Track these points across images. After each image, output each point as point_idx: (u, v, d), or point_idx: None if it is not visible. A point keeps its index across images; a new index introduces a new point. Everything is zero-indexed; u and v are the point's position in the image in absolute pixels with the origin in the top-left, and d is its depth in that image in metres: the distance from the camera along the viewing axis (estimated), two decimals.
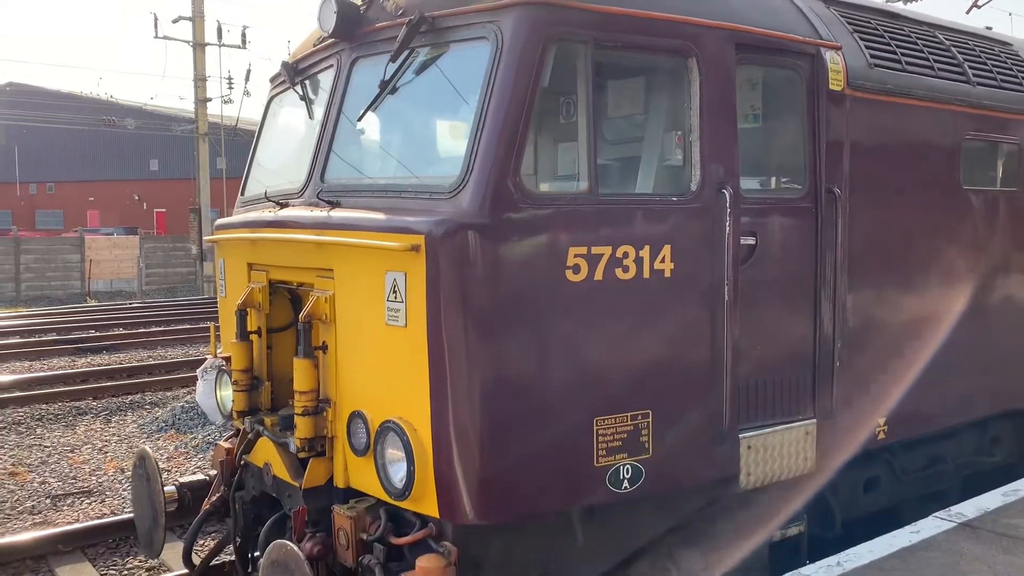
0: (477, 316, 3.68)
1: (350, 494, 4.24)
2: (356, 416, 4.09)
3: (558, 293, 3.83)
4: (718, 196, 4.23)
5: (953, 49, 5.87)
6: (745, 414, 4.46)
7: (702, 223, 4.21)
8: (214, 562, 5.64)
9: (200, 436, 12.31)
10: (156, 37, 30.40)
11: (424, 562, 3.71)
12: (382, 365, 3.94)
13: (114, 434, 12.95)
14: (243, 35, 31.91)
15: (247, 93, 32.45)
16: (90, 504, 9.88)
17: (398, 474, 3.87)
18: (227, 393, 5.36)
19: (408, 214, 3.84)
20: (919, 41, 5.64)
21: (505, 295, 3.72)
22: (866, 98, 4.94)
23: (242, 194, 5.74)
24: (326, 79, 4.90)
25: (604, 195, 3.98)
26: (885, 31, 5.39)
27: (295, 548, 3.78)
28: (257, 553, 5.09)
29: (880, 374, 5.17)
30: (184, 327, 23.42)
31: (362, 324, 4.04)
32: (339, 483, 4.28)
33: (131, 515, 8.72)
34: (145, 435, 12.74)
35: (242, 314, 4.82)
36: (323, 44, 4.89)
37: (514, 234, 3.72)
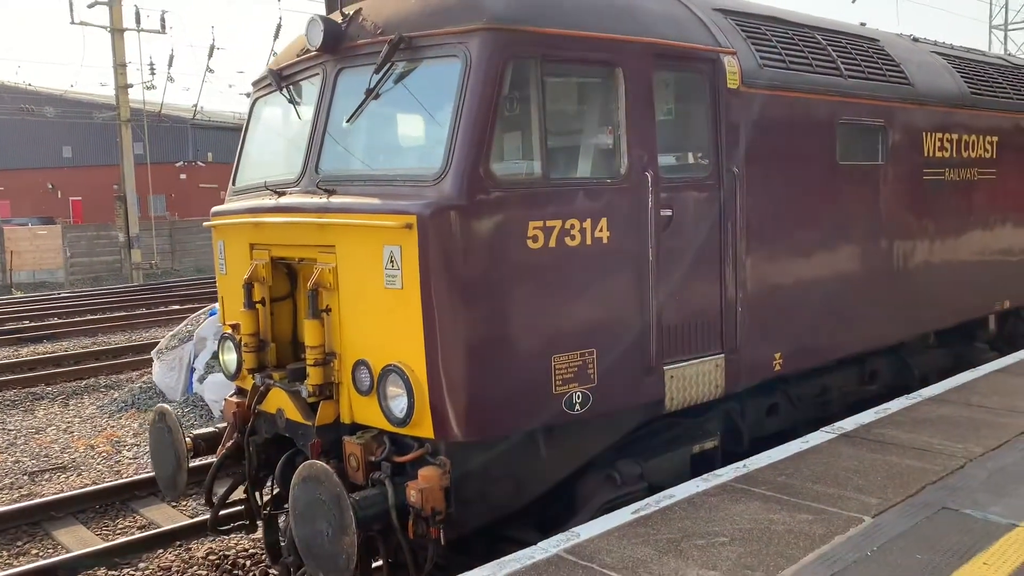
0: (459, 277, 4.69)
1: (355, 428, 5.21)
2: (360, 364, 5.05)
3: (521, 258, 4.86)
4: (642, 177, 5.32)
5: (828, 48, 7.08)
6: (668, 350, 5.58)
7: (630, 199, 5.30)
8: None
9: None
10: (73, 23, 30.02)
11: (425, 471, 4.72)
12: (382, 321, 4.91)
13: (75, 416, 13.49)
14: (162, 20, 31.67)
15: (171, 79, 32.17)
16: (67, 478, 10.55)
17: (399, 407, 4.85)
18: (230, 357, 6.22)
19: (400, 198, 4.81)
20: (800, 42, 6.82)
21: (480, 260, 4.74)
22: (758, 93, 6.10)
23: (233, 184, 6.58)
24: (312, 85, 5.79)
25: (554, 179, 5.03)
26: (772, 35, 6.55)
27: (323, 464, 4.73)
28: (267, 489, 6.03)
29: (775, 317, 6.37)
30: (121, 314, 23.65)
31: (363, 288, 4.99)
32: (345, 419, 5.25)
33: (113, 484, 9.51)
34: (106, 415, 13.34)
35: (249, 287, 5.71)
36: (307, 55, 5.77)
37: (486, 212, 4.73)
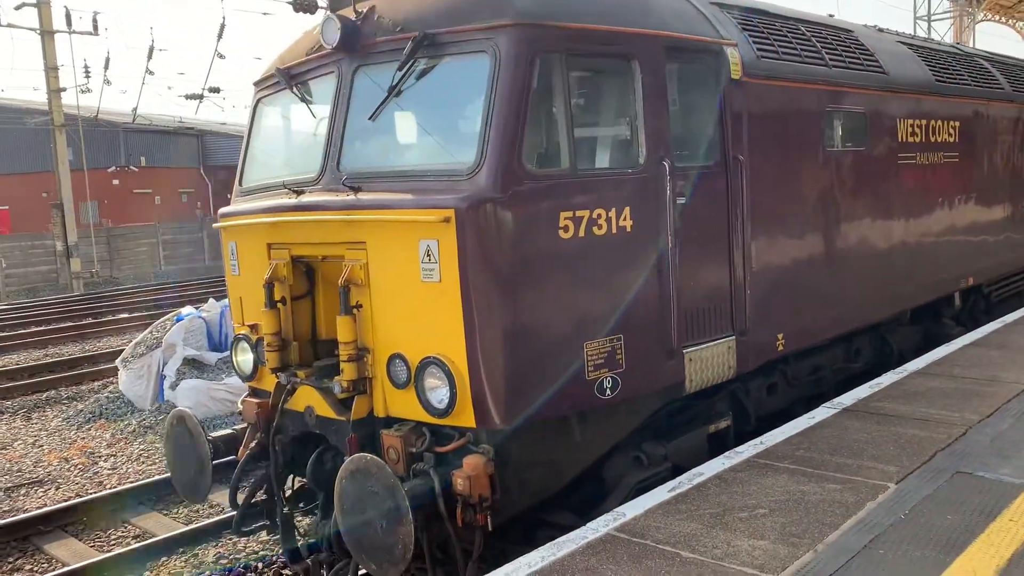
0: (497, 269, 4.78)
1: (389, 422, 5.27)
2: (395, 358, 5.10)
3: (554, 248, 4.98)
4: (659, 167, 5.48)
5: (813, 39, 7.36)
6: (686, 334, 5.76)
7: (649, 188, 5.46)
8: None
9: (134, 422, 12.72)
10: (0, 26, 28.98)
11: (471, 459, 4.81)
12: (419, 314, 4.97)
13: (41, 429, 13.15)
14: (95, 21, 30.67)
15: (107, 82, 31.24)
16: (46, 491, 10.30)
17: (439, 398, 4.92)
18: (245, 357, 6.20)
19: (434, 193, 4.88)
20: (788, 34, 7.08)
21: (517, 251, 4.84)
22: (757, 83, 6.32)
23: (240, 184, 6.55)
24: (325, 83, 5.80)
25: (581, 170, 5.16)
26: (764, 28, 6.79)
27: (375, 457, 4.78)
28: (289, 486, 6.04)
29: (777, 299, 6.61)
30: (67, 325, 23.03)
31: (397, 283, 5.05)
32: (379, 413, 5.29)
33: (98, 495, 9.32)
34: (74, 427, 13.03)
35: (270, 286, 5.70)
36: (320, 54, 5.79)
37: (521, 204, 4.84)
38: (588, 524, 4.73)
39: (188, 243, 41.83)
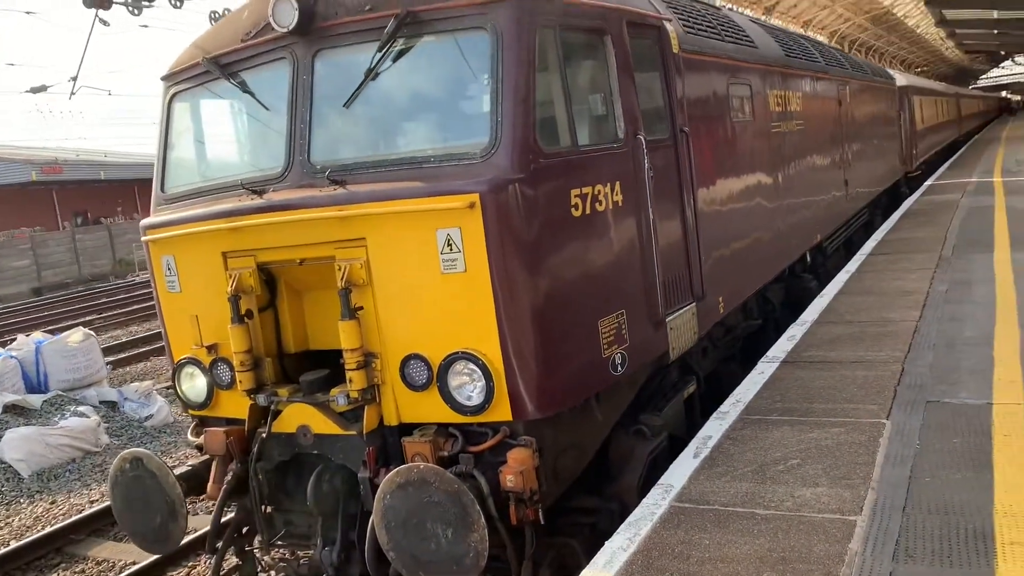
0: (526, 253, 4.60)
1: (403, 429, 4.91)
2: (412, 358, 4.76)
3: (569, 226, 4.87)
4: (636, 141, 5.52)
5: (710, 17, 7.72)
6: (665, 303, 5.86)
7: (631, 162, 5.48)
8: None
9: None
10: None
11: (517, 454, 4.59)
12: (438, 309, 4.66)
13: None
14: None
15: None
16: None
17: (470, 395, 4.66)
18: (197, 383, 5.55)
19: (448, 179, 4.59)
20: (696, 12, 7.38)
21: (541, 234, 4.67)
22: (689, 57, 6.53)
23: (162, 191, 5.80)
24: (274, 71, 5.27)
25: (582, 147, 5.07)
26: (681, 8, 7.04)
27: (430, 464, 4.43)
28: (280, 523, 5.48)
29: (718, 263, 6.89)
30: None
31: (409, 279, 4.70)
32: (391, 421, 4.92)
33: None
34: None
35: (235, 299, 5.11)
36: (265, 38, 5.25)
37: (539, 183, 4.67)
38: (643, 502, 4.70)
39: None
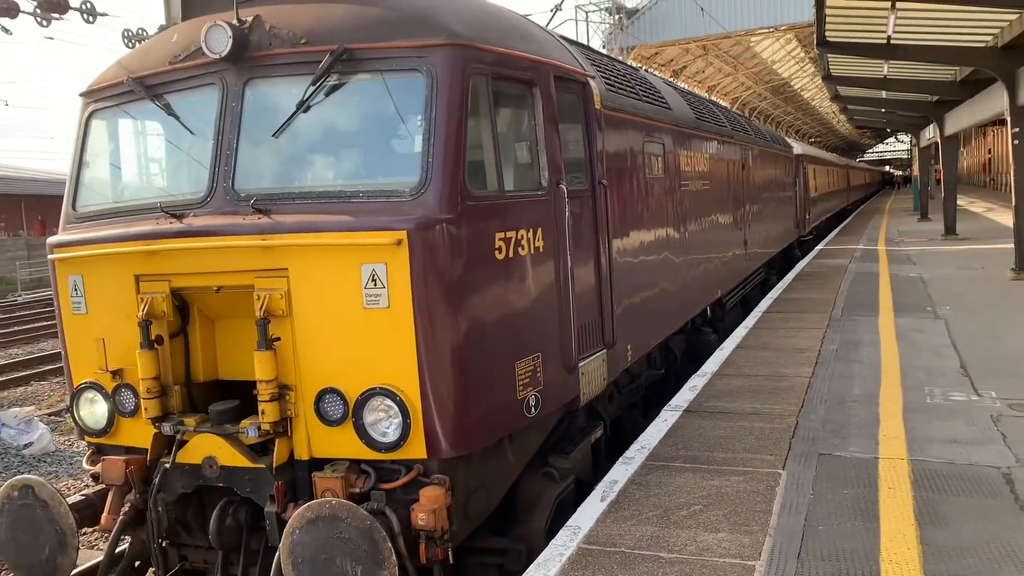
0: (449, 292, 4.66)
1: (313, 464, 4.86)
2: (328, 392, 4.73)
3: (492, 268, 4.97)
4: (558, 190, 5.70)
5: (628, 76, 8.05)
6: (579, 349, 6.01)
7: (552, 210, 5.64)
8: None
9: None
10: None
11: (429, 492, 4.60)
12: (358, 344, 4.66)
13: None
14: None
15: None
16: None
17: (385, 431, 4.66)
18: (96, 409, 5.37)
19: (375, 215, 4.63)
20: (614, 71, 7.69)
21: (465, 274, 4.75)
22: (610, 114, 6.79)
23: (73, 209, 5.63)
24: (201, 96, 5.23)
25: (508, 191, 5.20)
26: (604, 67, 7.33)
27: (341, 500, 4.37)
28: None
29: (628, 313, 7.11)
30: None
31: (330, 312, 4.69)
32: (302, 456, 4.85)
33: None
34: None
35: (146, 324, 4.99)
36: (195, 63, 5.21)
37: (466, 225, 4.77)
38: (552, 543, 4.77)
39: None
